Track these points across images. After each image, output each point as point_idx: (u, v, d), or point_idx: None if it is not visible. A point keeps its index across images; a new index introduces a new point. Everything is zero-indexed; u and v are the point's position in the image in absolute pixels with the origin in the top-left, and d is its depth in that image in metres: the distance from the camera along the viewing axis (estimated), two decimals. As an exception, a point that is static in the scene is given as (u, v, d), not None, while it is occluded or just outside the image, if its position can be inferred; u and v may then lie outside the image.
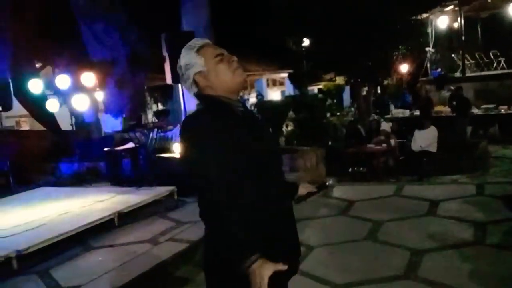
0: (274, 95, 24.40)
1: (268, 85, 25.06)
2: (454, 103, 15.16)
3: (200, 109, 2.31)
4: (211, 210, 2.07)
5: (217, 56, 2.28)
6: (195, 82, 2.29)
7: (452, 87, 16.67)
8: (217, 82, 2.26)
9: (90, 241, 5.78)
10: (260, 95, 17.40)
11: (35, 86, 9.18)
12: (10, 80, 8.94)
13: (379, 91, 22.40)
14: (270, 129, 2.48)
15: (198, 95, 2.32)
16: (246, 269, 1.98)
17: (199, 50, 2.29)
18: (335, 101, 20.78)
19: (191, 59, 2.28)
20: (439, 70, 19.24)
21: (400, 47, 16.19)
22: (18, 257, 5.02)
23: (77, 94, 9.33)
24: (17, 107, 10.21)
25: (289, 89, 22.15)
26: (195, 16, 10.45)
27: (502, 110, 15.15)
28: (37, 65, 11.90)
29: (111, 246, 5.66)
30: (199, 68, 2.26)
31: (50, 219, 6.21)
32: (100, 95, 10.97)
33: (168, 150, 8.48)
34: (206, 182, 2.06)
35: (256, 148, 2.18)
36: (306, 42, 18.01)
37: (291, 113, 14.61)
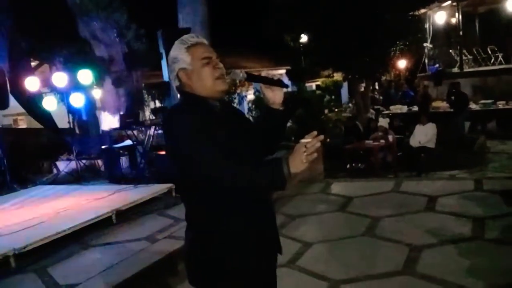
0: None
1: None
2: (453, 97, 15.16)
3: (178, 104, 2.38)
4: (223, 183, 2.13)
5: (204, 59, 2.30)
6: (178, 77, 2.33)
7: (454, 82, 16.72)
8: (197, 84, 2.30)
9: (88, 239, 5.75)
10: (258, 92, 17.36)
11: (31, 84, 9.16)
12: (7, 78, 8.91)
13: (377, 87, 22.48)
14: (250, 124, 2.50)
15: (178, 90, 2.39)
16: (292, 177, 2.06)
17: (189, 48, 2.31)
18: (333, 97, 20.80)
19: (179, 54, 2.31)
20: (437, 65, 19.24)
21: (397, 43, 16.19)
22: (16, 255, 5.00)
23: (74, 91, 9.31)
24: (15, 105, 10.19)
25: (287, 85, 22.17)
26: (191, 13, 10.43)
27: (500, 106, 15.14)
28: (34, 63, 11.90)
29: (109, 243, 5.63)
30: (184, 65, 2.30)
31: (47, 217, 6.20)
32: (97, 93, 10.97)
33: (165, 147, 8.46)
34: (206, 162, 2.12)
35: (230, 146, 2.19)
36: (303, 38, 18.01)
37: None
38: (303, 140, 2.04)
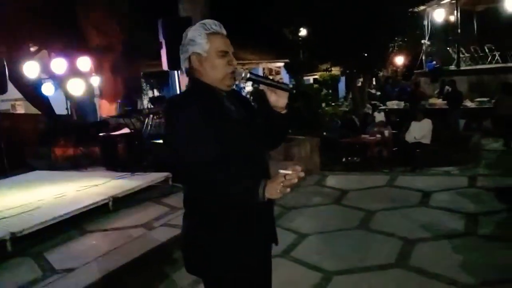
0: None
1: (264, 74, 25.13)
2: (448, 88, 15.26)
3: (185, 91, 2.38)
4: (201, 185, 2.18)
5: (221, 52, 2.28)
6: (189, 60, 2.30)
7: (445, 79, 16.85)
8: (207, 73, 2.28)
9: (85, 225, 5.77)
10: (256, 84, 17.39)
11: (30, 69, 9.12)
12: (5, 63, 8.87)
13: (374, 83, 22.53)
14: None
15: (188, 74, 2.36)
16: (265, 199, 2.09)
17: (210, 34, 2.28)
18: (330, 91, 20.82)
19: (199, 38, 2.27)
20: (434, 62, 19.29)
21: (396, 39, 16.24)
22: (13, 239, 5.01)
23: (72, 78, 9.28)
24: (13, 91, 10.13)
25: (285, 79, 22.19)
26: (192, 2, 10.41)
27: (495, 104, 15.18)
28: (33, 49, 11.84)
29: (105, 230, 5.66)
30: (199, 51, 2.27)
31: (45, 202, 6.19)
32: (96, 80, 10.93)
33: (163, 136, 8.47)
34: (193, 161, 2.14)
35: (229, 138, 2.22)
36: (302, 32, 18.00)
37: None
38: (283, 171, 2.05)
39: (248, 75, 2.32)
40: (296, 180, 2.05)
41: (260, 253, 2.38)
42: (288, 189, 2.06)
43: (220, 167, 2.11)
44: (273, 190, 2.06)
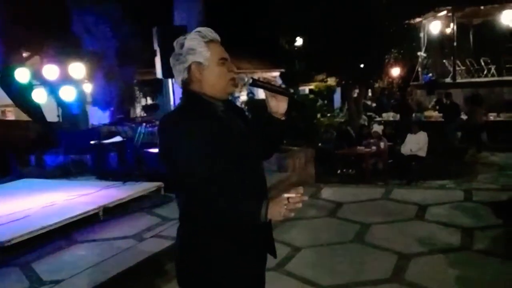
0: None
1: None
2: (437, 107, 15.38)
3: (180, 107, 2.31)
4: (202, 204, 2.11)
5: (222, 59, 2.25)
6: (188, 70, 2.23)
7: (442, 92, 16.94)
8: (209, 81, 2.23)
9: (74, 235, 5.68)
10: (251, 93, 17.35)
11: (21, 75, 9.02)
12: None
13: (370, 94, 22.58)
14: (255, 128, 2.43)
15: (184, 85, 2.28)
16: (267, 220, 2.06)
17: (208, 43, 2.24)
18: (325, 102, 20.81)
19: (198, 47, 2.22)
20: (430, 75, 19.35)
21: (392, 50, 16.25)
22: (1, 249, 4.95)
23: (64, 85, 9.18)
24: (3, 97, 10.04)
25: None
26: (187, 11, 10.40)
27: (491, 117, 15.22)
28: (25, 54, 11.75)
29: (95, 240, 5.58)
30: (201, 59, 2.21)
31: (33, 211, 6.12)
32: (88, 87, 10.84)
33: (155, 145, 8.40)
34: (193, 179, 2.08)
35: (230, 151, 2.17)
36: (299, 41, 18.02)
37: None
38: (286, 195, 2.03)
39: (251, 80, 2.31)
40: (300, 205, 2.03)
41: (255, 267, 2.33)
42: (292, 214, 2.03)
43: (220, 185, 2.07)
44: (276, 213, 2.04)
